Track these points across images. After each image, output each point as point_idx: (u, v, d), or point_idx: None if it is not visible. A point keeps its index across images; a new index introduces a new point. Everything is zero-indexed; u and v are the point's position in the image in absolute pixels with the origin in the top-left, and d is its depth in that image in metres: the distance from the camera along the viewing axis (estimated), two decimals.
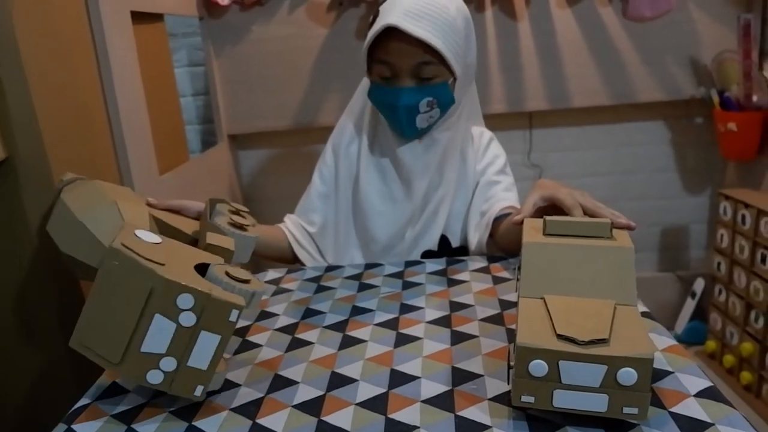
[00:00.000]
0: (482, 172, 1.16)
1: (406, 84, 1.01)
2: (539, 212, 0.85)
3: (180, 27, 2.11)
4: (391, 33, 0.98)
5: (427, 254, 1.13)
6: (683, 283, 2.23)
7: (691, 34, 1.93)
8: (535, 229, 0.69)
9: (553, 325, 0.57)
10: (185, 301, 0.59)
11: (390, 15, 0.97)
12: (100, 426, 0.64)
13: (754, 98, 1.80)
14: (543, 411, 0.59)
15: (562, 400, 0.55)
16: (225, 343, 0.62)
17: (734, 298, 1.85)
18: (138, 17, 1.36)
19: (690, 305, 2.16)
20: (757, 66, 1.81)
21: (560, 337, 0.55)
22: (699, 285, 2.14)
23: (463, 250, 1.14)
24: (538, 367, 0.54)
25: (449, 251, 1.14)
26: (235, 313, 0.61)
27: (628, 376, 0.53)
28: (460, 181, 1.14)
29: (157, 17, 1.53)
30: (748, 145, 1.88)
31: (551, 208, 0.85)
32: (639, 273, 2.19)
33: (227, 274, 0.66)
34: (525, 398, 0.56)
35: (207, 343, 0.61)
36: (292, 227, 1.19)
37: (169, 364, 0.61)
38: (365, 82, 1.15)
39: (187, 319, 0.60)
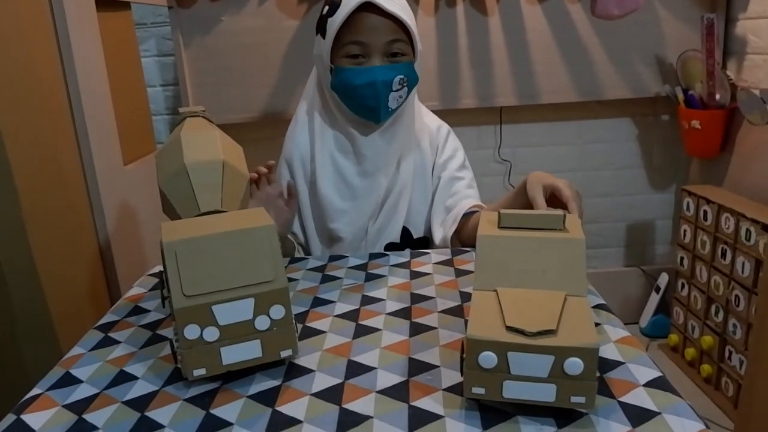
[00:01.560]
0: (443, 167, 1.17)
1: (378, 62, 1.03)
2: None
3: (149, 16, 2.08)
4: (362, 13, 1.00)
5: (390, 246, 1.14)
6: (648, 277, 2.28)
7: (657, 33, 1.96)
8: (490, 222, 0.69)
9: (503, 317, 0.58)
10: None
11: None
12: (51, 416, 0.63)
13: (717, 96, 1.84)
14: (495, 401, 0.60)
15: (512, 390, 0.56)
16: None
17: (696, 292, 1.89)
18: (103, 4, 1.33)
19: (654, 299, 2.20)
20: (720, 65, 1.85)
21: (509, 328, 0.56)
22: (663, 279, 2.18)
23: (425, 240, 1.15)
24: (488, 358, 0.55)
25: (411, 243, 1.15)
26: None
27: (574, 365, 0.54)
28: (417, 173, 1.15)
29: (123, 5, 1.50)
30: (711, 142, 1.92)
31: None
32: (605, 268, 2.23)
33: None
34: (476, 389, 0.57)
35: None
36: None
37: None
38: (313, 80, 1.15)
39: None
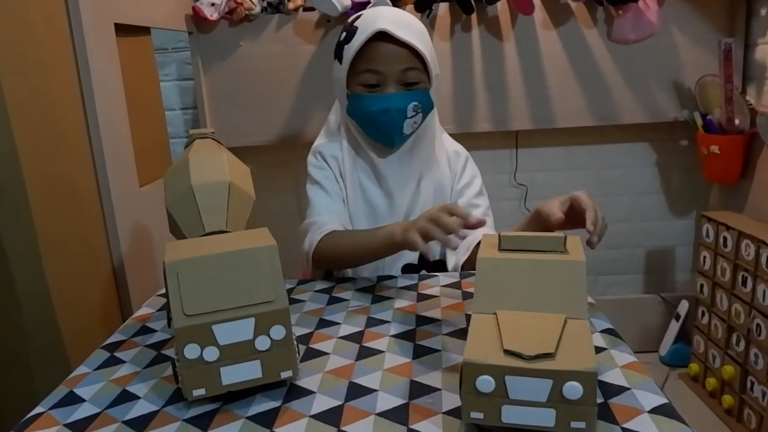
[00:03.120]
0: (460, 193, 1.17)
1: (393, 90, 1.04)
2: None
3: (170, 41, 2.13)
4: (377, 42, 1.02)
5: (407, 268, 1.14)
6: (668, 305, 2.23)
7: (674, 58, 1.95)
8: (491, 245, 0.69)
9: (501, 340, 0.57)
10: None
11: (375, 24, 1.01)
12: None
13: (736, 122, 1.81)
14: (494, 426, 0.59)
15: (511, 415, 0.55)
16: None
17: (716, 320, 1.85)
18: (123, 30, 1.37)
19: (674, 327, 2.16)
20: (738, 90, 1.83)
21: (507, 352, 0.55)
22: (683, 307, 2.14)
23: (441, 263, 1.15)
24: (485, 383, 0.54)
25: (428, 265, 1.14)
26: None
27: (573, 390, 0.52)
28: (437, 194, 1.15)
29: (143, 30, 1.54)
30: (730, 167, 1.89)
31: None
32: (624, 295, 2.19)
33: None
34: (474, 414, 0.56)
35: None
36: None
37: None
38: (337, 107, 1.17)
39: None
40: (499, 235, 0.68)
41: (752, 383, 1.68)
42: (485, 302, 0.63)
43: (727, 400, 1.78)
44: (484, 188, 1.20)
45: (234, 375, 0.64)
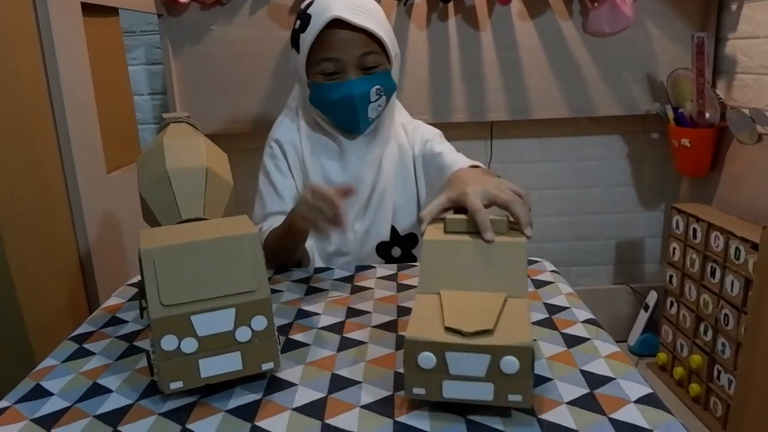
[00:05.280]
0: (422, 151, 1.15)
1: (353, 76, 1.03)
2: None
3: (138, 24, 2.06)
4: (332, 29, 1.00)
5: (381, 245, 1.14)
6: (637, 295, 2.26)
7: (648, 51, 1.97)
8: (436, 228, 0.71)
9: (443, 318, 0.59)
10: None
11: (328, 11, 0.99)
12: (18, 430, 0.60)
13: (707, 115, 1.84)
14: (480, 414, 0.59)
15: (451, 390, 0.57)
16: None
17: (685, 310, 1.88)
18: (90, 10, 1.32)
19: (643, 317, 2.19)
20: (710, 84, 1.86)
21: (447, 329, 0.57)
22: (652, 297, 2.17)
23: (413, 237, 1.15)
24: (427, 359, 0.56)
25: (400, 240, 1.15)
26: None
27: (510, 364, 0.55)
28: (398, 171, 1.15)
29: (111, 11, 1.48)
30: (701, 160, 1.92)
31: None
32: (594, 285, 2.21)
33: None
34: (416, 390, 0.58)
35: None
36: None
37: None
38: (296, 92, 1.16)
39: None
40: (445, 219, 0.71)
41: (719, 372, 1.71)
42: (429, 283, 0.66)
43: (695, 388, 1.81)
44: (443, 137, 1.18)
45: (213, 367, 0.62)
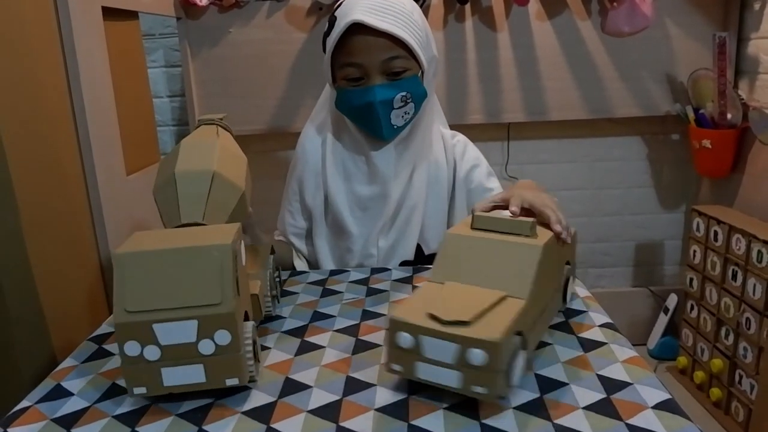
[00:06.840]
0: (467, 179, 1.12)
1: (378, 81, 0.99)
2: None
3: (158, 27, 2.08)
4: (355, 33, 0.96)
5: (403, 264, 1.10)
6: (656, 298, 2.24)
7: (668, 51, 1.94)
8: (464, 224, 0.73)
9: (431, 305, 0.61)
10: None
11: (350, 14, 0.96)
12: (38, 429, 0.61)
13: (729, 116, 1.81)
14: (494, 417, 0.58)
15: (424, 372, 0.60)
16: None
17: (705, 314, 1.86)
18: (110, 13, 1.33)
19: (663, 320, 2.16)
20: (731, 84, 1.83)
21: (428, 315, 0.59)
22: (672, 300, 2.14)
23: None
24: (404, 339, 0.60)
25: (424, 260, 1.11)
26: None
27: (476, 356, 0.56)
28: (431, 186, 1.10)
29: (130, 14, 1.50)
30: (721, 162, 1.89)
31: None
32: (613, 287, 2.19)
33: None
34: (395, 366, 0.62)
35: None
36: (293, 239, 1.16)
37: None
38: (326, 93, 1.13)
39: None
40: (473, 215, 0.72)
41: (740, 376, 1.69)
42: (440, 273, 0.69)
43: (715, 393, 1.79)
44: (491, 169, 1.16)
45: (176, 377, 0.62)
